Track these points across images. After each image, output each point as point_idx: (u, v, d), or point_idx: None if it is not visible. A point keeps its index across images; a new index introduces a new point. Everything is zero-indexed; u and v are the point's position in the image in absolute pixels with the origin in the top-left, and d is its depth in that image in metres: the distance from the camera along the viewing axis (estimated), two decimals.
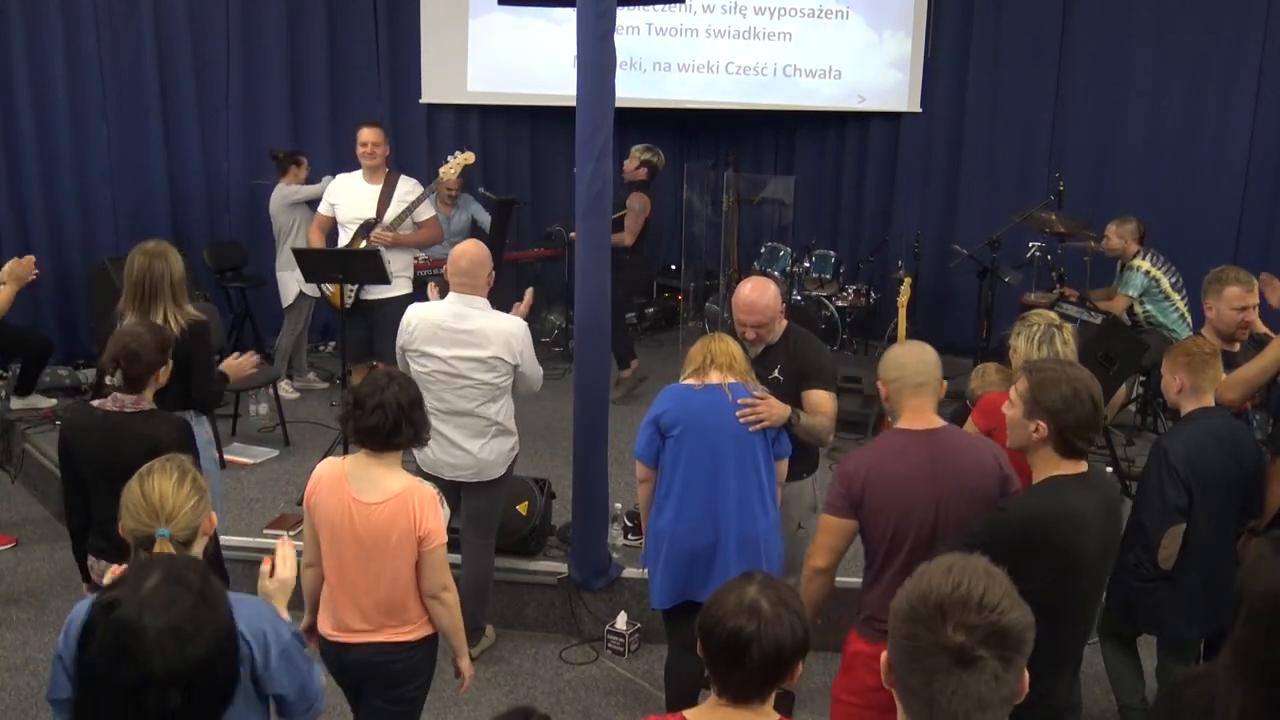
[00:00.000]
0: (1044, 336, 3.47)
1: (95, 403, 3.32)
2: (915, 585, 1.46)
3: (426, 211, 5.92)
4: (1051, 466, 2.65)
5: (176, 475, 2.33)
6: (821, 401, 3.74)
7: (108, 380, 3.30)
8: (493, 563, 4.36)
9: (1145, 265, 6.14)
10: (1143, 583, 3.45)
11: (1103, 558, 2.70)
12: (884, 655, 1.48)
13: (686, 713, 1.94)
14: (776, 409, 3.51)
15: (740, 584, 1.92)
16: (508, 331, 4.02)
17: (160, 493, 2.29)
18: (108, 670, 1.60)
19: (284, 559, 2.48)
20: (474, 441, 4.08)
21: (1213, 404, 3.46)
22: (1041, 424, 2.61)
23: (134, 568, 1.75)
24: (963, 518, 2.78)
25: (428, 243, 6.23)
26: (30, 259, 4.62)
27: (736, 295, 3.82)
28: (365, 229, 5.79)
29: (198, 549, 2.35)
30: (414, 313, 4.11)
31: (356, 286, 5.70)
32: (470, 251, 4.08)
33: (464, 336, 3.99)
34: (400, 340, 4.11)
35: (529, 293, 4.47)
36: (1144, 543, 3.41)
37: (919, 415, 2.92)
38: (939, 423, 2.93)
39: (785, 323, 3.89)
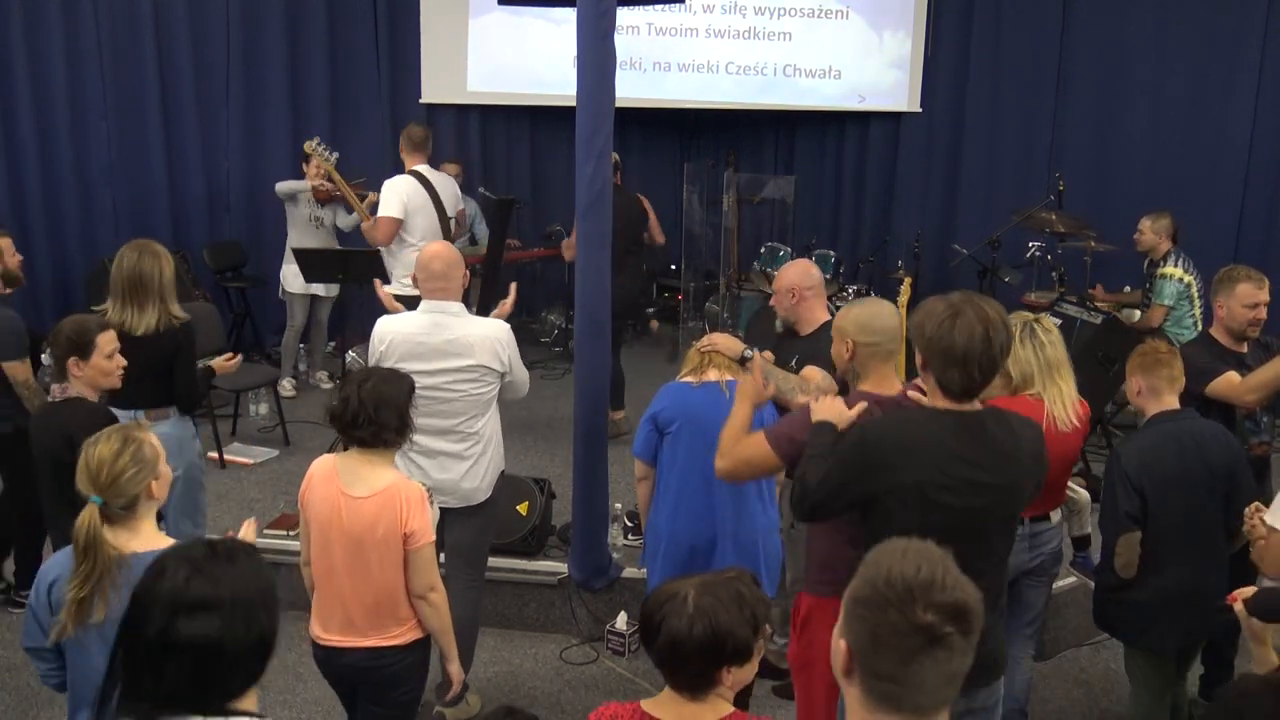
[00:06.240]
0: (1025, 333, 3.47)
1: (56, 399, 3.38)
2: (874, 571, 1.48)
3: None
4: (934, 398, 2.51)
5: (119, 444, 2.38)
6: (812, 373, 3.65)
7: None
8: (479, 607, 3.93)
9: (1178, 273, 5.99)
10: (1108, 591, 3.41)
11: (965, 496, 2.42)
12: (840, 644, 1.51)
13: (643, 703, 1.98)
14: (728, 340, 3.55)
15: (677, 583, 1.95)
16: (491, 337, 3.67)
17: (98, 460, 2.34)
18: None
19: (246, 535, 2.61)
20: (457, 464, 3.71)
21: (1175, 405, 3.38)
22: (920, 355, 2.50)
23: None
24: None
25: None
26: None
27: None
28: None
29: (145, 513, 2.40)
30: (387, 326, 3.71)
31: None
32: (442, 253, 3.72)
33: (445, 347, 3.62)
34: (372, 359, 3.68)
35: (513, 289, 4.15)
36: (1105, 552, 3.38)
37: (885, 380, 2.87)
38: (899, 387, 2.87)
39: (826, 318, 3.85)
